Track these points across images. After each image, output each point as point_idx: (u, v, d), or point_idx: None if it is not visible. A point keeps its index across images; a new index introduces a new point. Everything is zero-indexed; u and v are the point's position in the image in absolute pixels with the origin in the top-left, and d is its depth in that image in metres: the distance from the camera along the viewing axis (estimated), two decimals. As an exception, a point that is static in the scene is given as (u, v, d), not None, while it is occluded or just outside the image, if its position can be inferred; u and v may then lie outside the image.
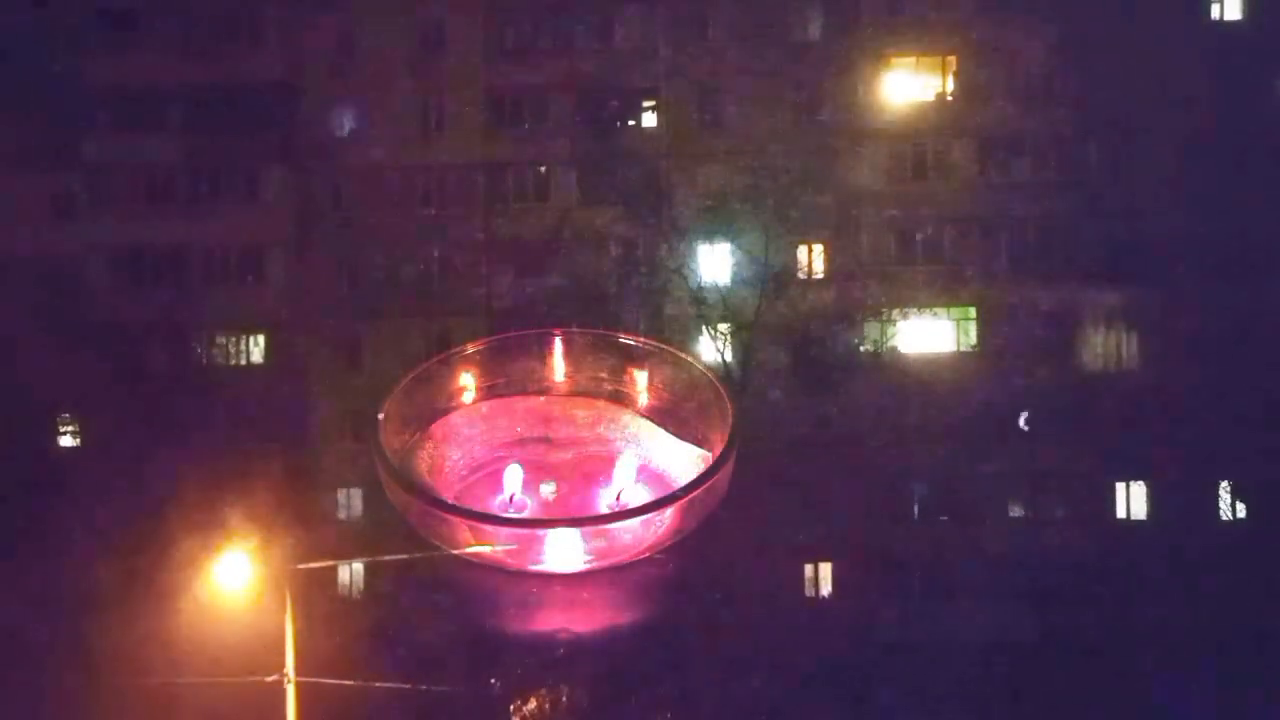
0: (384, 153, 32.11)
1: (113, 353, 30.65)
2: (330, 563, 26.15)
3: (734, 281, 30.43)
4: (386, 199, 32.03)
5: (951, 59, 32.32)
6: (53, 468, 30.06)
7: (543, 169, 32.62)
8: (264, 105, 32.09)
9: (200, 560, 21.84)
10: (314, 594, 22.37)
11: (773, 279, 29.88)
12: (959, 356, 31.76)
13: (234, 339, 32.82)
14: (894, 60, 32.16)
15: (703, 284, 30.18)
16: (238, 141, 32.02)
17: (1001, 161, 32.00)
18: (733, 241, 30.42)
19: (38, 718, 23.65)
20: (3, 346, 29.09)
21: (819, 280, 31.51)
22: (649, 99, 32.57)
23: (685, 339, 28.86)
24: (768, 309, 29.86)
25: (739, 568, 25.38)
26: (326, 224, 32.09)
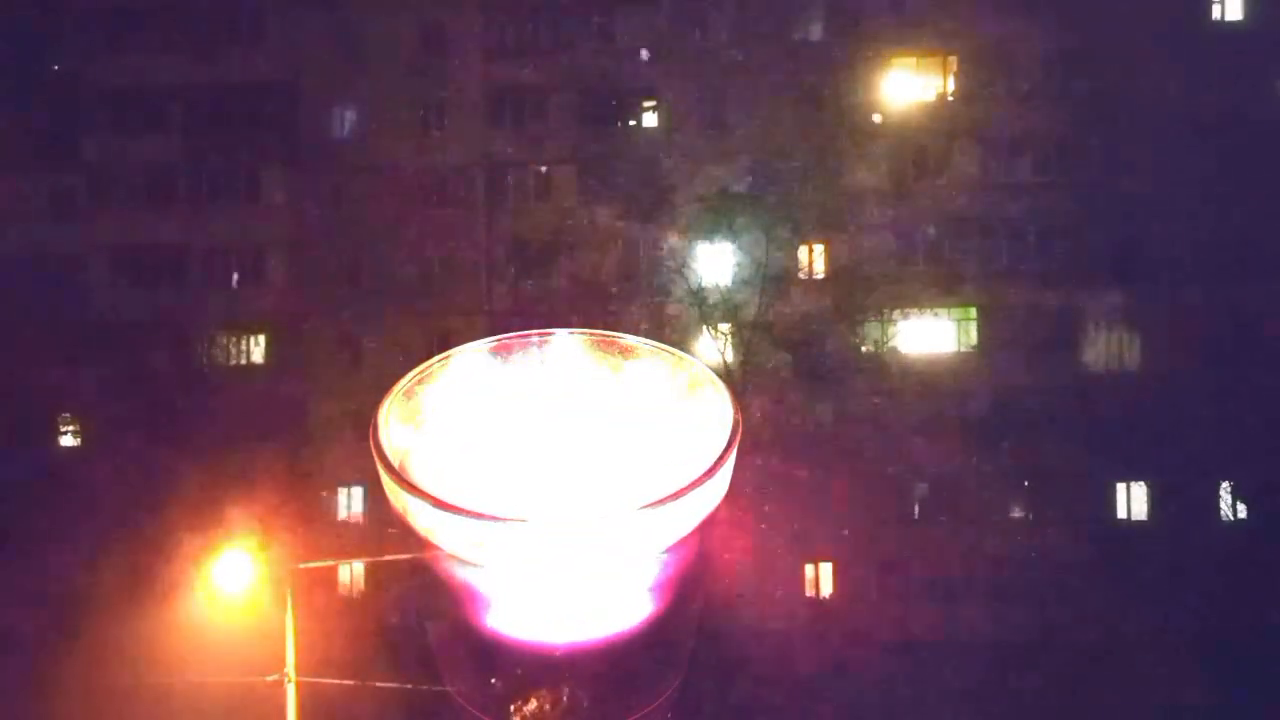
0: (384, 153, 32.10)
1: (113, 352, 30.68)
2: (330, 562, 26.17)
3: (734, 281, 30.43)
4: (386, 199, 32.01)
5: (952, 59, 32.32)
6: (53, 467, 30.05)
7: (543, 169, 32.61)
8: (264, 105, 32.09)
9: (201, 559, 21.85)
10: (314, 593, 22.37)
11: (773, 279, 29.90)
12: (959, 356, 31.76)
13: (234, 339, 32.82)
14: (894, 60, 32.16)
15: (703, 284, 30.19)
16: (238, 141, 32.03)
17: (1002, 161, 31.99)
18: (733, 241, 30.43)
19: (38, 717, 23.65)
20: (2, 346, 29.09)
21: (819, 280, 31.50)
22: (649, 99, 32.57)
23: (685, 339, 28.87)
24: (768, 309, 29.87)
25: (739, 568, 25.38)
26: (326, 224, 32.08)
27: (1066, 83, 31.40)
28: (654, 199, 30.63)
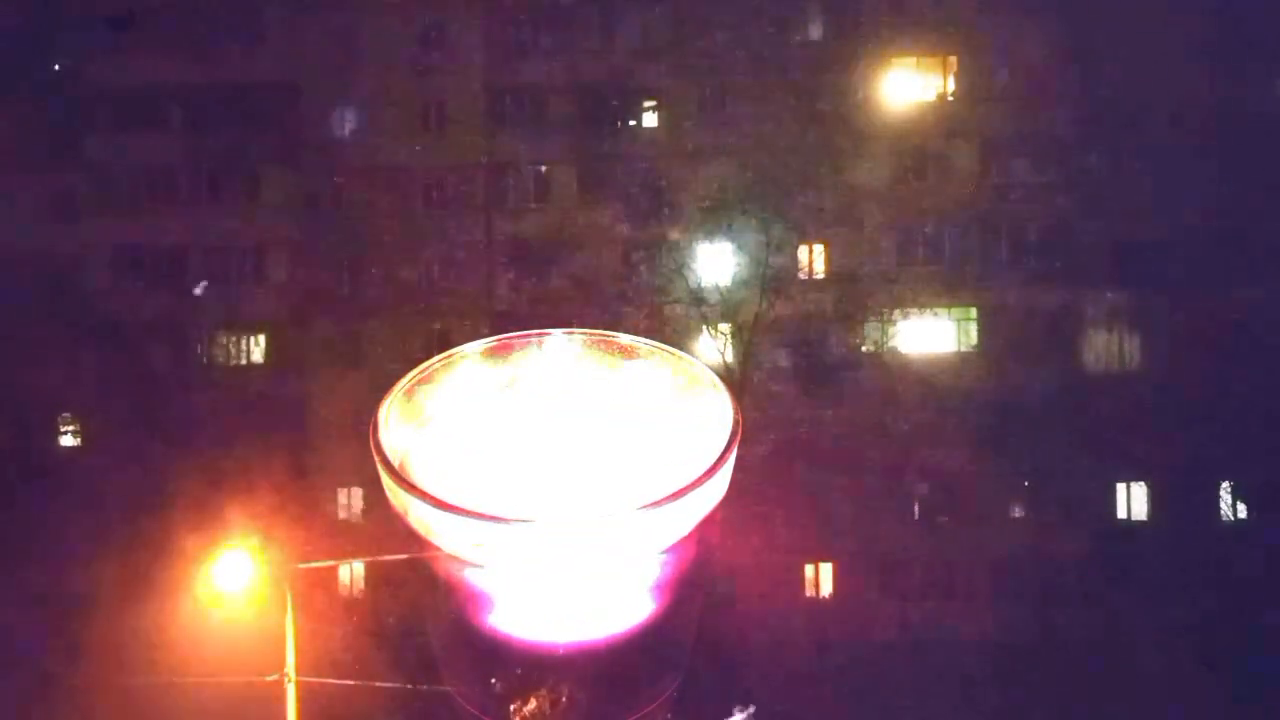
0: (384, 153, 32.11)
1: (113, 352, 30.68)
2: (330, 562, 26.17)
3: (734, 281, 30.42)
4: (386, 199, 32.03)
5: (952, 59, 32.33)
6: (53, 467, 30.06)
7: (543, 169, 32.62)
8: (264, 105, 32.09)
9: (201, 559, 21.84)
10: (314, 594, 22.37)
11: (773, 279, 29.90)
12: (959, 356, 31.76)
13: (234, 339, 32.83)
14: (894, 60, 32.16)
15: (703, 284, 30.18)
16: (238, 141, 32.03)
17: (1001, 161, 32.00)
18: (733, 241, 30.42)
19: (37, 717, 23.64)
20: (3, 346, 29.09)
21: (819, 280, 31.50)
22: (649, 99, 32.56)
23: (685, 339, 28.88)
24: (768, 309, 29.87)
25: (739, 568, 25.38)
26: (326, 224, 32.09)
27: (1066, 82, 31.38)
28: (654, 199, 30.62)
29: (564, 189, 32.31)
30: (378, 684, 19.03)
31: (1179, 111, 30.17)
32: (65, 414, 32.21)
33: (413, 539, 1.95)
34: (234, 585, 19.75)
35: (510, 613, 1.95)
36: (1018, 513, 31.40)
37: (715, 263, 30.61)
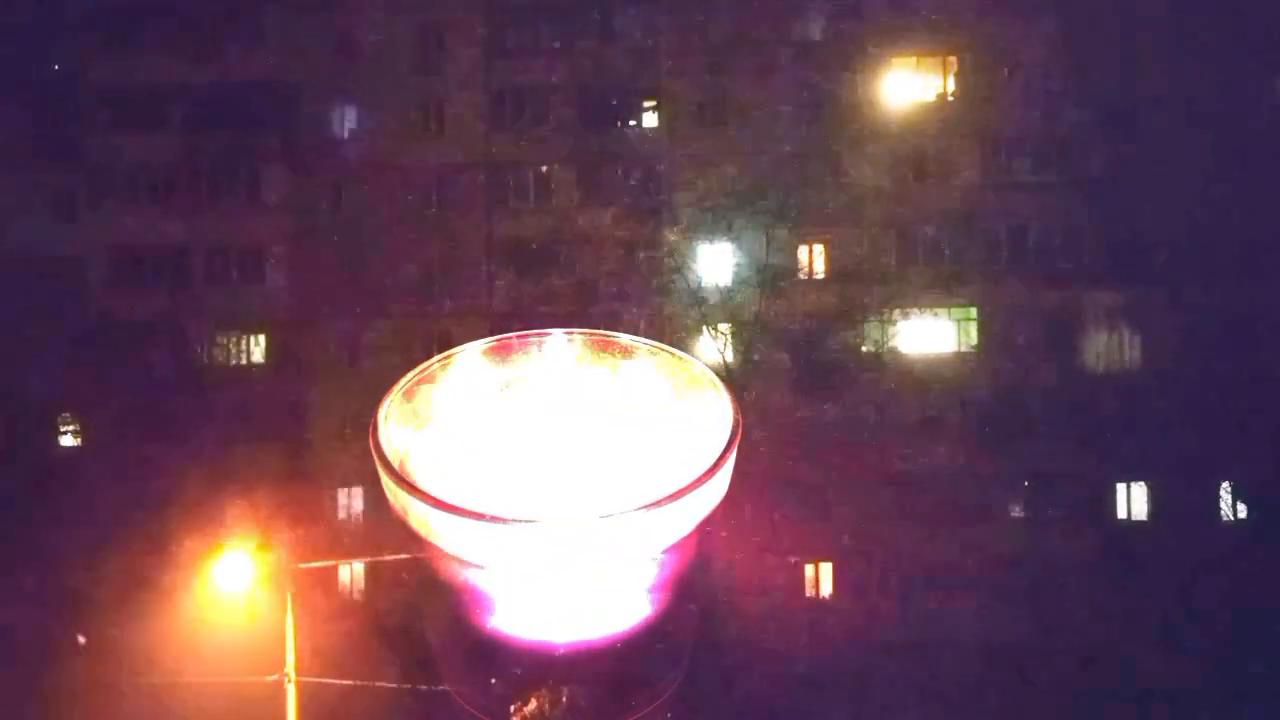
0: (384, 153, 32.09)
1: (113, 353, 30.66)
2: (330, 562, 26.19)
3: (734, 281, 30.42)
4: (386, 199, 32.01)
5: (952, 59, 32.32)
6: (53, 467, 30.04)
7: (543, 169, 32.60)
8: (264, 105, 32.08)
9: (201, 559, 21.86)
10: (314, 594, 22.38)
11: (773, 279, 29.90)
12: (959, 356, 31.75)
13: (234, 339, 32.81)
14: (894, 60, 32.15)
15: (703, 284, 30.18)
16: (238, 141, 32.01)
17: (1002, 161, 31.99)
18: (733, 241, 30.42)
19: (38, 717, 23.64)
20: (3, 346, 29.09)
21: (819, 280, 31.50)
22: (649, 99, 32.56)
23: (685, 339, 28.87)
24: (768, 309, 29.87)
25: (739, 568, 25.38)
26: (326, 224, 32.07)
27: (1066, 82, 31.38)
28: (654, 199, 30.62)
29: (564, 189, 32.30)
30: (378, 684, 19.03)
31: (1179, 110, 30.15)
32: (65, 414, 32.19)
33: (413, 539, 1.95)
34: (234, 585, 19.79)
35: (510, 613, 1.95)
36: (1018, 512, 31.38)
37: (715, 263, 30.60)
